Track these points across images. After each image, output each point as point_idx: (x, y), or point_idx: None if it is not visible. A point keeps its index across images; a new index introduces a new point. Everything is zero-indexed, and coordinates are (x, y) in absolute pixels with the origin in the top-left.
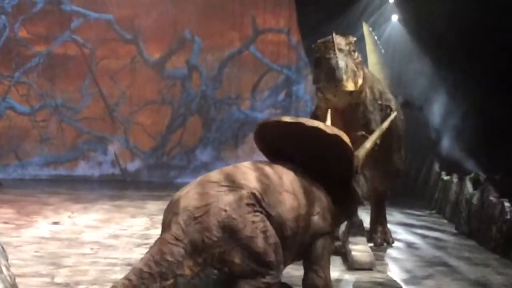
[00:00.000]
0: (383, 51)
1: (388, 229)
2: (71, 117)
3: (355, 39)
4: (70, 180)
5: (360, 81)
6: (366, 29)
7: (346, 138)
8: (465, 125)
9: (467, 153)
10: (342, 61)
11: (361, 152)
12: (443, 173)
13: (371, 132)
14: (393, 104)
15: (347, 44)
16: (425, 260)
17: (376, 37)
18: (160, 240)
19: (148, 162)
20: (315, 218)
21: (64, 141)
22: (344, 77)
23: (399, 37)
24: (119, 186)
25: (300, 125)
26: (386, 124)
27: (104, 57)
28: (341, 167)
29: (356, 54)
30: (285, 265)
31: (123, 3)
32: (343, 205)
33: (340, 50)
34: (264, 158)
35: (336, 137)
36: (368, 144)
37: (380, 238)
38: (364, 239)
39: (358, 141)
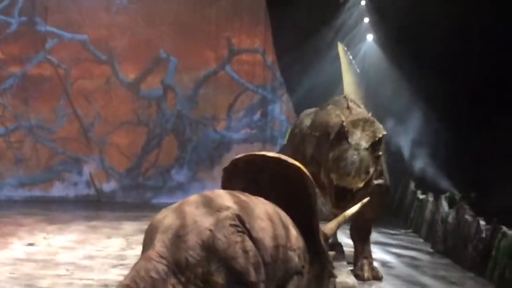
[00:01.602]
0: (358, 70)
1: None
2: (46, 137)
3: (384, 133)
4: (45, 201)
5: (368, 177)
6: (341, 49)
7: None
8: (440, 144)
9: (442, 172)
10: (357, 156)
11: (327, 229)
12: (418, 192)
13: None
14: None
15: (374, 138)
16: (400, 279)
17: (351, 57)
18: (145, 257)
19: (124, 182)
20: (291, 254)
21: (38, 162)
22: (353, 173)
23: (374, 57)
24: (94, 207)
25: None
26: (356, 208)
27: (79, 78)
28: (302, 215)
29: (379, 147)
30: None
31: (98, 24)
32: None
33: (358, 144)
34: None
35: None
36: (335, 221)
37: (367, 273)
38: (344, 263)
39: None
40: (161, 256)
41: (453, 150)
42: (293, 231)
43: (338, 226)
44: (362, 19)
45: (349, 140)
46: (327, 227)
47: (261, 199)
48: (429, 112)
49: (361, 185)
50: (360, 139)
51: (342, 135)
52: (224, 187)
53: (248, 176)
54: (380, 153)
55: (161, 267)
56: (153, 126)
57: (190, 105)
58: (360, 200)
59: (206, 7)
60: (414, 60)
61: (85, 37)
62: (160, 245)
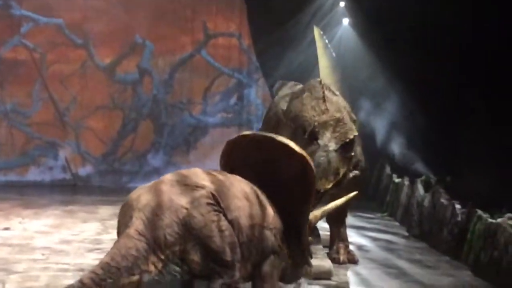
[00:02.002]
0: (334, 54)
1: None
2: (21, 122)
3: (355, 134)
4: (21, 185)
5: (338, 178)
6: (317, 32)
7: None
8: (415, 128)
9: (418, 156)
10: (325, 158)
11: (317, 213)
12: (394, 175)
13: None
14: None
15: (344, 140)
16: (376, 262)
17: (327, 41)
18: (124, 235)
19: (100, 167)
20: (268, 233)
21: (14, 146)
22: (320, 175)
23: (350, 41)
24: (70, 191)
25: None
26: (342, 200)
27: (55, 62)
28: (296, 200)
29: (350, 148)
30: (241, 275)
31: (73, 8)
32: (294, 251)
33: (326, 146)
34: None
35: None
36: (320, 211)
37: (343, 256)
38: (320, 247)
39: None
40: (140, 234)
41: (429, 134)
42: (270, 211)
43: (324, 216)
44: (338, 3)
45: (319, 141)
46: (313, 215)
47: (238, 178)
48: (405, 96)
49: (328, 186)
50: (329, 141)
51: (313, 135)
52: (223, 160)
53: (249, 154)
54: (352, 154)
55: (141, 245)
56: (129, 110)
57: (166, 89)
58: (332, 198)
59: None
60: (389, 44)
61: (60, 21)
62: (138, 222)
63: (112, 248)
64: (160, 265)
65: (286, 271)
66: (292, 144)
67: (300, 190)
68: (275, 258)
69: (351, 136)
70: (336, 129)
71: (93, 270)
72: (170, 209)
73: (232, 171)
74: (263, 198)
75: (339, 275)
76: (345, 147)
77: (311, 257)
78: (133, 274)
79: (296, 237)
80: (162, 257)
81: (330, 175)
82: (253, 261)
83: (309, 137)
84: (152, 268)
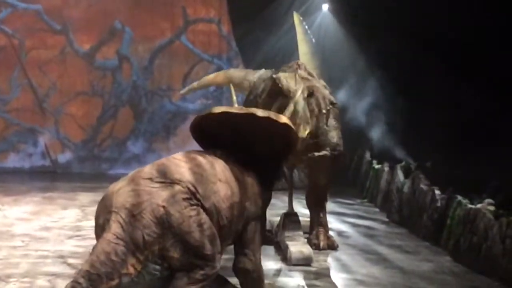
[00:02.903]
0: (313, 40)
1: (329, 233)
2: (0, 108)
3: (325, 85)
4: (0, 172)
5: (308, 130)
6: (296, 18)
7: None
8: (395, 114)
9: (397, 142)
10: (299, 106)
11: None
12: (374, 161)
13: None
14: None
15: (308, 88)
16: (356, 248)
17: (306, 27)
18: (102, 240)
19: (79, 153)
20: (247, 204)
21: None
22: (302, 122)
23: (330, 27)
24: (49, 178)
25: (247, 115)
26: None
27: (33, 48)
28: (276, 150)
29: (320, 100)
30: (222, 253)
31: None
32: (267, 182)
33: (300, 96)
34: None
35: (283, 125)
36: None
37: (323, 242)
38: (300, 233)
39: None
40: (118, 237)
41: (408, 120)
42: (248, 180)
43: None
44: None
45: (286, 93)
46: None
47: (217, 157)
48: (384, 82)
49: (304, 135)
50: (296, 91)
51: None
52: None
53: (226, 121)
54: (324, 111)
55: (120, 249)
56: (109, 97)
57: (145, 75)
58: (311, 164)
59: None
60: (369, 30)
61: (39, 6)
62: (116, 225)
63: (91, 255)
64: (139, 267)
65: (265, 195)
66: (272, 115)
67: (283, 141)
68: (256, 222)
69: (318, 85)
70: (299, 81)
71: (75, 280)
72: (147, 208)
73: (206, 136)
74: (238, 170)
75: (319, 261)
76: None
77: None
78: (113, 279)
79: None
80: (141, 258)
81: (305, 123)
82: (234, 234)
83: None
84: (131, 270)
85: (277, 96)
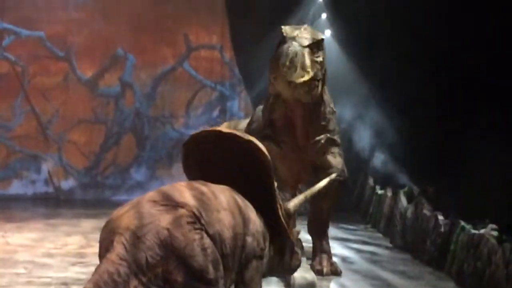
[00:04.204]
0: None
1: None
2: (3, 135)
3: (323, 37)
4: (3, 199)
5: (310, 76)
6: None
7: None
8: (398, 139)
9: (400, 167)
10: (301, 51)
11: (291, 205)
12: (377, 187)
13: (330, 133)
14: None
15: (312, 39)
16: (360, 274)
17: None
18: (106, 260)
19: (82, 180)
20: (249, 239)
21: None
22: (298, 65)
23: (332, 52)
24: (53, 205)
25: (219, 136)
26: (323, 183)
27: (36, 75)
28: (261, 192)
29: (320, 52)
30: (225, 285)
31: (55, 20)
32: (277, 243)
33: (293, 38)
34: None
35: (248, 143)
36: (300, 197)
37: (326, 268)
38: (304, 258)
39: (321, 146)
40: (121, 259)
41: (411, 145)
42: (251, 215)
43: (301, 203)
44: (320, 15)
45: (286, 40)
46: (291, 204)
47: (219, 187)
48: (386, 107)
49: (303, 78)
50: (297, 38)
51: (282, 40)
52: (185, 164)
53: (205, 152)
54: (321, 58)
55: (123, 270)
56: (111, 124)
57: (148, 102)
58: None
59: (163, 3)
60: (370, 55)
61: (42, 33)
62: (120, 247)
63: (93, 275)
64: None
65: (273, 263)
66: (238, 133)
67: (264, 182)
68: (257, 262)
69: (319, 38)
70: (303, 32)
71: None
72: (151, 231)
73: (198, 168)
74: (242, 203)
75: (323, 287)
76: (314, 49)
77: (295, 244)
78: None
79: (277, 228)
80: (144, 280)
81: (299, 68)
82: (236, 269)
83: (278, 46)
84: None
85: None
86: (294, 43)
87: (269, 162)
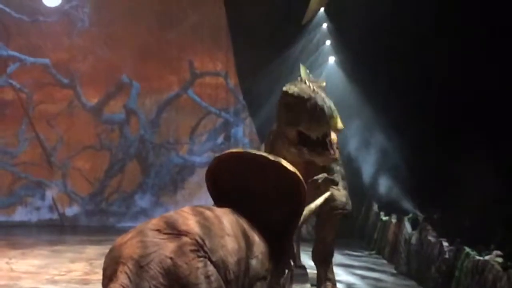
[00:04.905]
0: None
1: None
2: (8, 162)
3: (324, 83)
4: (8, 225)
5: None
6: (303, 70)
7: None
8: (402, 166)
9: (405, 194)
10: (327, 99)
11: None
12: (381, 213)
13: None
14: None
15: (319, 87)
16: None
17: (313, 79)
18: None
19: (87, 207)
20: (253, 262)
21: (1, 186)
22: (334, 115)
23: (336, 79)
24: (57, 231)
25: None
26: (319, 201)
27: (41, 102)
28: (285, 216)
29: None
30: None
31: (59, 47)
32: (278, 258)
33: (321, 89)
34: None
35: (291, 174)
36: (304, 213)
37: None
38: (308, 285)
39: (319, 185)
40: None
41: (416, 172)
42: (255, 238)
43: (304, 221)
44: (324, 42)
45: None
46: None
47: (224, 211)
48: (391, 134)
49: (343, 127)
50: (314, 91)
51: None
52: (210, 175)
53: (238, 170)
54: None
55: None
56: (116, 150)
57: (152, 129)
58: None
59: (168, 30)
60: (375, 82)
61: (47, 61)
62: (123, 276)
63: None
64: None
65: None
66: (284, 162)
67: (291, 206)
68: (261, 283)
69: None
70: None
71: None
72: (155, 260)
73: (218, 187)
74: (246, 226)
75: None
76: None
77: (289, 263)
78: None
79: (282, 251)
80: None
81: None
82: None
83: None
84: None
85: (288, 110)
86: (321, 93)
87: (305, 197)
